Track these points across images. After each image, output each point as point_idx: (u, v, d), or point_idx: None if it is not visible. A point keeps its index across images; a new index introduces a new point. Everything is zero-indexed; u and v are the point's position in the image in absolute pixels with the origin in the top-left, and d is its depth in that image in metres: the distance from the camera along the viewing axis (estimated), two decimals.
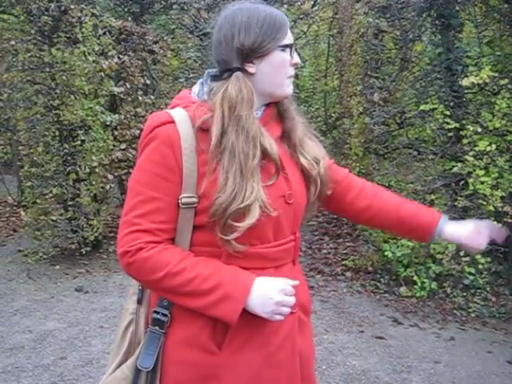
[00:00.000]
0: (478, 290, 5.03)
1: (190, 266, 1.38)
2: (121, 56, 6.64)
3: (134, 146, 6.89)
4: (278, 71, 1.47)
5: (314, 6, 9.16)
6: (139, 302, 1.56)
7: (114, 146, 6.42)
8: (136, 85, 6.95)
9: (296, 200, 1.51)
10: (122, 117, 6.68)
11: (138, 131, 6.78)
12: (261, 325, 1.45)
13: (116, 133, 6.63)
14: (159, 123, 1.41)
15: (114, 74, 6.76)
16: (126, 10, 8.30)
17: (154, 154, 1.39)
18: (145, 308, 1.56)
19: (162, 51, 7.66)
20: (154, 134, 1.40)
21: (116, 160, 6.50)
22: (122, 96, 6.78)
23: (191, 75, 6.19)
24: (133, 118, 6.90)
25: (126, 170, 6.89)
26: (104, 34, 6.42)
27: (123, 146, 6.60)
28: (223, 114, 1.39)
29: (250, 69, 1.45)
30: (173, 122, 1.40)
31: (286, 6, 7.54)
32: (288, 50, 1.48)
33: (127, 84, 6.75)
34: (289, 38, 1.48)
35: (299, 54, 1.60)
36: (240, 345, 1.44)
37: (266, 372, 1.47)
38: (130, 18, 8.18)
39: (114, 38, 6.66)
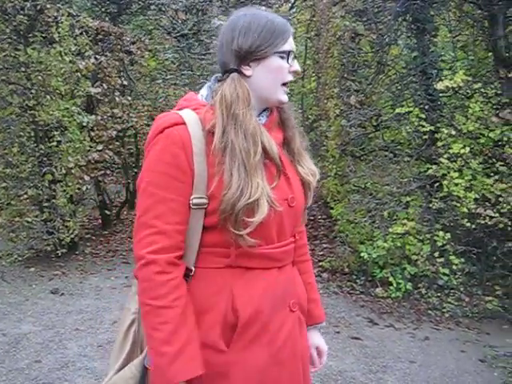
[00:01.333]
0: (452, 291, 5.10)
1: (173, 325, 1.36)
2: (98, 56, 6.60)
3: (110, 147, 6.85)
4: (273, 76, 1.49)
5: (291, 8, 9.21)
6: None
7: (90, 147, 6.37)
8: (113, 85, 6.92)
9: (297, 204, 1.54)
10: (99, 118, 6.64)
11: (114, 132, 6.76)
12: (267, 322, 1.47)
13: (93, 134, 6.59)
14: (170, 124, 1.41)
15: (90, 74, 6.72)
16: (103, 10, 8.23)
17: (166, 154, 1.40)
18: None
19: (139, 52, 7.63)
20: (164, 134, 1.41)
21: (92, 161, 6.46)
22: (98, 97, 6.74)
23: (168, 76, 6.18)
24: (110, 118, 6.87)
25: (102, 171, 6.86)
26: (81, 34, 6.38)
27: (100, 147, 6.57)
28: (222, 114, 1.42)
29: (247, 71, 1.48)
30: (184, 123, 1.42)
31: (263, 8, 7.57)
32: (287, 56, 1.50)
33: (104, 85, 6.72)
34: (289, 45, 1.51)
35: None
36: (248, 342, 1.45)
37: (271, 369, 1.49)
38: (107, 19, 8.12)
39: (90, 38, 6.62)
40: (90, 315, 4.76)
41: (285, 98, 1.54)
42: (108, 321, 4.63)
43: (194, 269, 1.46)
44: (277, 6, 8.31)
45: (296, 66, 1.54)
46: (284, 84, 1.52)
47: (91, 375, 3.72)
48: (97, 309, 4.90)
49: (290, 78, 1.53)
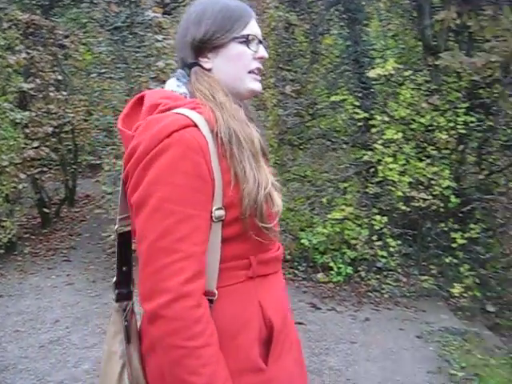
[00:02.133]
0: (390, 272, 5.29)
1: (213, 365, 1.19)
2: (29, 51, 6.41)
3: (47, 143, 6.69)
4: (235, 65, 1.36)
5: None
6: (128, 340, 1.37)
7: (25, 144, 6.20)
8: (47, 81, 6.74)
9: None
10: (33, 114, 6.46)
11: (50, 128, 6.59)
12: (287, 327, 1.40)
13: (27, 131, 6.41)
14: (179, 126, 1.20)
15: (22, 69, 6.52)
16: (33, 2, 7.98)
17: (183, 162, 1.19)
18: (135, 344, 1.37)
19: (73, 46, 7.46)
20: (174, 138, 1.19)
21: (28, 158, 6.29)
22: (32, 92, 6.56)
23: (103, 70, 6.08)
24: (45, 115, 6.70)
25: (39, 169, 6.69)
26: (10, 27, 6.17)
27: (36, 143, 6.40)
28: (214, 109, 1.28)
29: (206, 64, 1.36)
30: (195, 125, 1.22)
31: None
32: (249, 42, 1.36)
33: (37, 80, 6.54)
34: (250, 30, 1.36)
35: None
36: (280, 352, 1.36)
37: (296, 372, 1.44)
38: (38, 11, 7.88)
39: (20, 32, 6.42)
40: (31, 315, 4.66)
41: (256, 86, 1.40)
42: (50, 320, 4.55)
43: (216, 291, 1.26)
44: None
45: (262, 51, 1.39)
46: (251, 71, 1.38)
47: (33, 377, 3.66)
48: (38, 309, 4.80)
49: (257, 64, 1.39)
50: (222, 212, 1.23)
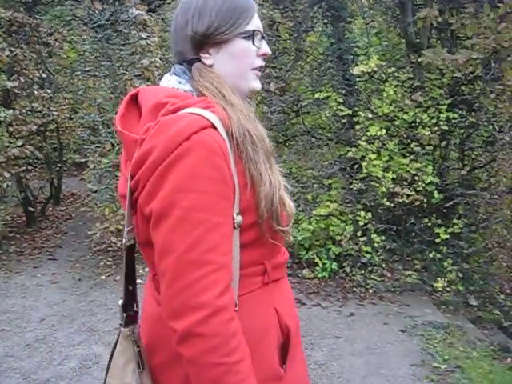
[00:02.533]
0: (375, 267, 5.35)
1: (250, 380, 1.14)
2: (13, 49, 6.37)
3: (31, 142, 6.66)
4: (238, 62, 1.27)
5: None
6: (142, 367, 1.26)
7: (9, 142, 6.17)
8: (31, 79, 6.70)
9: None
10: (17, 112, 6.42)
11: (35, 127, 6.56)
12: (296, 328, 1.37)
13: (11, 129, 6.37)
14: (197, 128, 1.11)
15: (6, 67, 6.49)
16: None
17: (205, 167, 1.10)
18: (147, 369, 1.28)
19: (57, 43, 7.43)
20: (194, 141, 1.10)
21: (13, 157, 6.25)
22: (15, 90, 6.51)
23: (87, 68, 6.06)
24: (29, 113, 6.66)
25: (24, 168, 6.66)
26: None
27: (20, 142, 6.36)
28: (225, 107, 1.19)
29: (207, 60, 1.26)
30: (213, 126, 1.13)
31: None
32: (253, 37, 1.28)
33: (21, 78, 6.49)
34: (254, 25, 1.28)
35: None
36: (294, 355, 1.34)
37: (306, 372, 1.45)
38: (21, 9, 7.83)
39: (3, 29, 6.39)
40: (17, 314, 4.65)
41: (257, 85, 1.32)
42: (36, 319, 4.54)
43: (237, 302, 1.19)
44: None
45: (265, 47, 1.31)
46: (254, 69, 1.30)
47: (19, 375, 3.65)
48: (23, 307, 4.79)
49: (260, 62, 1.31)
50: (241, 217, 1.16)
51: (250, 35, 1.27)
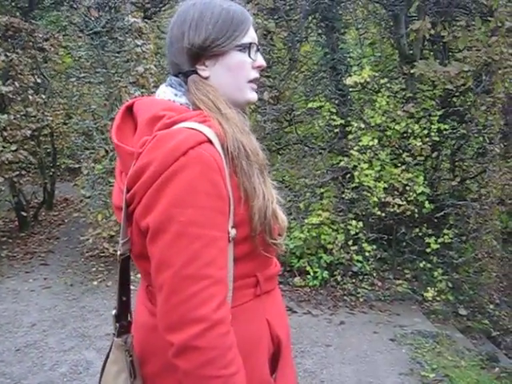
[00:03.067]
0: (366, 276, 5.38)
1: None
2: (8, 54, 6.39)
3: (25, 146, 6.67)
4: (235, 74, 1.27)
5: None
6: (135, 376, 1.28)
7: (3, 147, 6.18)
8: (26, 83, 6.72)
9: None
10: (12, 117, 6.43)
11: (29, 131, 6.57)
12: (286, 338, 1.40)
13: (5, 133, 6.38)
14: (194, 143, 1.12)
15: (1, 72, 6.51)
16: (13, 4, 7.96)
17: (203, 182, 1.11)
18: (139, 378, 1.30)
19: (52, 49, 7.45)
20: (190, 156, 1.11)
21: (6, 162, 6.26)
22: (10, 95, 6.53)
23: (82, 74, 6.09)
24: (23, 117, 6.67)
25: (17, 172, 6.66)
26: None
27: (14, 147, 6.37)
28: (220, 121, 1.20)
29: (203, 72, 1.26)
30: (209, 140, 1.14)
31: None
32: (249, 50, 1.29)
33: (16, 83, 6.51)
34: (250, 37, 1.29)
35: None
36: (285, 365, 1.37)
37: (295, 380, 1.46)
38: (17, 14, 7.86)
39: None
40: (8, 319, 4.65)
41: (253, 96, 1.33)
42: (27, 324, 4.55)
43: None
44: None
45: (260, 60, 1.32)
46: (250, 81, 1.31)
47: (9, 380, 3.65)
48: (14, 312, 4.79)
49: (256, 74, 1.32)
50: (235, 231, 1.18)
51: (246, 47, 1.28)
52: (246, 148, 1.19)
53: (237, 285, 1.22)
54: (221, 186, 1.13)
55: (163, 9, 8.70)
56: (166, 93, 1.29)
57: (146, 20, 6.31)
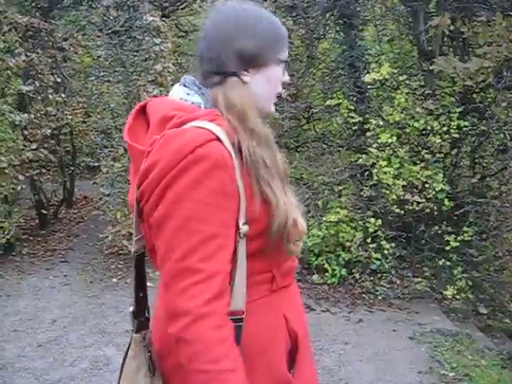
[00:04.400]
0: (384, 274, 5.35)
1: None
2: (28, 53, 6.47)
3: (45, 145, 6.75)
4: (271, 86, 1.32)
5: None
6: (154, 372, 1.30)
7: (24, 145, 6.26)
8: (46, 83, 6.80)
9: None
10: (32, 116, 6.51)
11: (49, 130, 6.65)
12: (304, 334, 1.41)
13: (26, 132, 6.47)
14: (202, 141, 1.14)
15: (22, 72, 6.59)
16: (33, 4, 8.04)
17: (208, 179, 1.13)
18: (159, 374, 1.31)
19: (72, 48, 7.52)
20: (198, 154, 1.13)
21: (27, 160, 6.34)
22: (31, 95, 6.61)
23: (101, 73, 6.15)
24: (43, 116, 6.75)
25: (38, 171, 6.75)
26: (9, 30, 6.24)
27: (34, 145, 6.45)
28: (238, 125, 1.21)
29: (245, 77, 1.27)
30: (218, 139, 1.16)
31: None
32: (284, 65, 1.34)
33: (36, 82, 6.59)
34: (286, 52, 1.35)
35: None
36: (304, 360, 1.38)
37: (314, 375, 1.48)
38: (37, 14, 7.94)
39: (20, 34, 6.48)
40: (29, 315, 4.72)
41: (273, 109, 1.38)
42: (48, 320, 4.61)
43: (245, 309, 1.22)
44: None
45: (287, 76, 1.37)
46: (277, 95, 1.36)
47: (31, 375, 3.71)
48: (36, 309, 4.86)
49: (281, 88, 1.37)
50: (247, 227, 1.19)
51: (283, 62, 1.33)
52: (265, 160, 1.21)
53: (252, 280, 1.24)
54: (227, 183, 1.15)
55: (181, 7, 8.74)
56: (179, 92, 1.31)
57: (163, 19, 6.34)
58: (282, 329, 1.31)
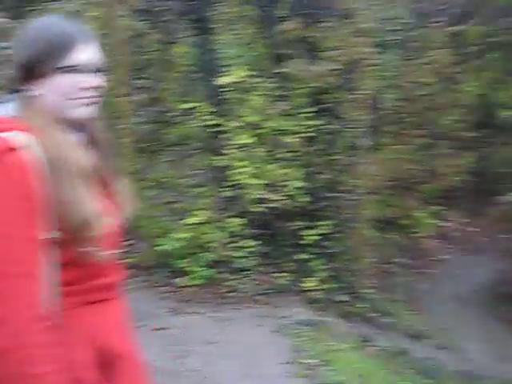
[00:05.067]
0: (248, 272, 5.46)
1: None
2: None
3: None
4: (65, 94, 1.27)
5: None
6: None
7: None
8: None
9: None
10: None
11: None
12: (126, 352, 1.42)
13: None
14: (3, 149, 1.17)
15: None
16: None
17: (8, 185, 1.17)
18: None
19: None
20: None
21: None
22: None
23: None
24: None
25: None
26: None
27: None
28: (36, 133, 1.21)
29: (32, 92, 1.27)
30: (20, 147, 1.18)
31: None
32: (77, 72, 1.27)
33: None
34: (72, 60, 1.27)
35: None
36: (121, 374, 1.37)
37: None
38: None
39: None
40: None
41: (83, 112, 1.31)
42: None
43: (49, 317, 1.23)
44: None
45: (92, 80, 1.29)
46: (79, 99, 1.30)
47: None
48: None
49: (87, 93, 1.30)
50: (54, 234, 1.19)
51: (72, 68, 1.26)
52: (63, 159, 1.22)
53: (62, 290, 1.24)
54: (29, 188, 1.15)
55: (28, 9, 8.29)
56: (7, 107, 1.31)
57: (7, 20, 5.96)
58: (82, 344, 1.28)
